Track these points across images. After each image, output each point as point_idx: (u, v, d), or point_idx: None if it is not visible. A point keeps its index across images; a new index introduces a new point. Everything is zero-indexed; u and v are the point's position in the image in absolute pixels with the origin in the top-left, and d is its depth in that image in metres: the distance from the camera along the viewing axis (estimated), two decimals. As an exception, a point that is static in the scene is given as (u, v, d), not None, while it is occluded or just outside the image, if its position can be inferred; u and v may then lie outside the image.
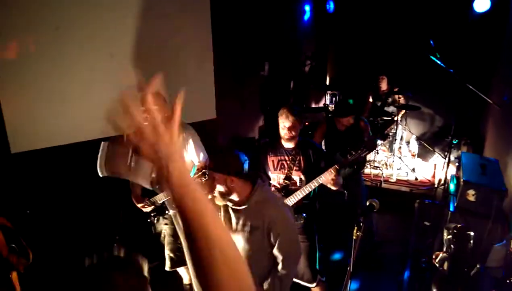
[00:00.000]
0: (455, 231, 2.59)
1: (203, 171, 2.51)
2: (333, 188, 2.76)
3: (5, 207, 2.57)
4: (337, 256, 4.07)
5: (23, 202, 2.94)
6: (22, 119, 3.05)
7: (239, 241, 2.05)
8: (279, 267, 2.03)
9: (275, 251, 2.02)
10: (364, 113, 5.87)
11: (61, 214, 3.14)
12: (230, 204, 2.07)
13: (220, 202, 2.03)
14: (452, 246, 2.55)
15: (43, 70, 3.15)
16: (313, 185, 2.76)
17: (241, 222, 2.04)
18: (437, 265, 2.57)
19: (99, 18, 3.45)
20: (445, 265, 2.55)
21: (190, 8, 4.33)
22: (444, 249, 2.61)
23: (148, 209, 3.02)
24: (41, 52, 3.12)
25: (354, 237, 1.71)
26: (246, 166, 2.04)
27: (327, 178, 2.70)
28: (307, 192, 2.79)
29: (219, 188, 1.98)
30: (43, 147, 3.16)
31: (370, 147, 2.81)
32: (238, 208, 2.04)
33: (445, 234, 2.65)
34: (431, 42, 4.55)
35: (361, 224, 1.72)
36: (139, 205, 3.02)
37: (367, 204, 1.96)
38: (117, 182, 3.28)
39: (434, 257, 2.62)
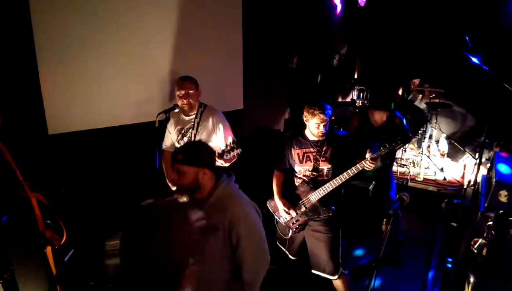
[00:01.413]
0: (496, 217, 2.52)
1: (232, 146, 2.58)
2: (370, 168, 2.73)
3: (42, 185, 2.70)
4: (360, 251, 4.04)
5: (58, 181, 3.07)
6: (60, 103, 3.19)
7: (200, 240, 1.80)
8: (243, 274, 1.82)
9: (237, 256, 1.83)
10: None
11: (92, 194, 3.27)
12: (192, 202, 1.86)
13: (181, 198, 1.83)
14: (492, 232, 2.49)
15: (81, 56, 3.27)
16: (347, 175, 2.74)
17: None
18: (475, 251, 2.52)
19: (135, 7, 3.54)
20: (484, 251, 2.49)
21: (222, 0, 4.37)
22: (484, 235, 2.56)
23: None
24: (80, 38, 3.23)
25: (383, 229, 1.70)
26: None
27: (367, 165, 2.68)
28: (338, 184, 2.78)
29: (184, 182, 1.84)
30: (78, 130, 3.29)
31: (405, 140, 2.77)
32: (200, 205, 1.85)
33: (486, 222, 2.60)
34: (467, 38, 4.40)
35: (391, 217, 1.70)
36: (174, 188, 3.12)
37: (397, 197, 1.93)
38: (147, 166, 3.39)
39: (472, 243, 2.56)
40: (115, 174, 3.43)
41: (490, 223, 2.59)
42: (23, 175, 2.51)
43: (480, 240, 2.58)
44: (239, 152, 2.74)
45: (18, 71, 2.88)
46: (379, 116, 3.69)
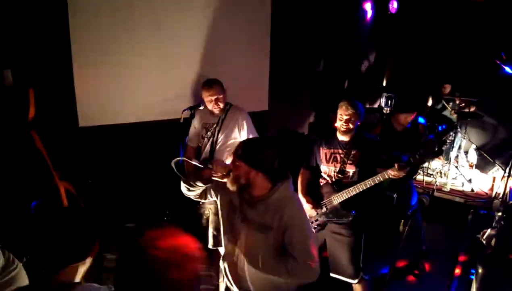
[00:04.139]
0: (505, 207, 2.46)
1: None
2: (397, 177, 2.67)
3: (70, 174, 2.80)
4: (381, 259, 3.95)
5: (86, 171, 3.18)
6: (91, 97, 3.31)
7: (250, 234, 1.95)
8: (291, 259, 1.89)
9: (289, 248, 1.91)
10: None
11: (119, 186, 3.36)
12: (246, 196, 1.98)
13: (231, 186, 1.93)
14: (502, 222, 2.42)
15: (113, 53, 3.38)
16: (373, 182, 2.70)
17: (254, 216, 1.95)
18: (484, 242, 2.45)
19: (167, 6, 3.63)
20: (493, 242, 2.42)
21: (251, 2, 4.42)
22: (493, 225, 2.49)
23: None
24: (113, 36, 3.35)
25: (400, 231, 1.67)
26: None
27: (395, 173, 2.63)
28: (362, 189, 2.74)
29: (237, 174, 1.90)
30: (107, 124, 3.40)
31: (432, 152, 2.71)
32: (254, 202, 1.95)
33: (496, 213, 2.52)
34: (502, 54, 4.28)
35: (409, 218, 1.66)
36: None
37: (417, 200, 1.89)
38: (171, 161, 3.45)
39: (481, 234, 2.50)
40: (140, 167, 3.52)
41: (499, 214, 2.51)
42: (53, 164, 2.62)
43: (488, 231, 2.51)
44: None
45: (52, 65, 3.00)
46: (403, 117, 3.62)
